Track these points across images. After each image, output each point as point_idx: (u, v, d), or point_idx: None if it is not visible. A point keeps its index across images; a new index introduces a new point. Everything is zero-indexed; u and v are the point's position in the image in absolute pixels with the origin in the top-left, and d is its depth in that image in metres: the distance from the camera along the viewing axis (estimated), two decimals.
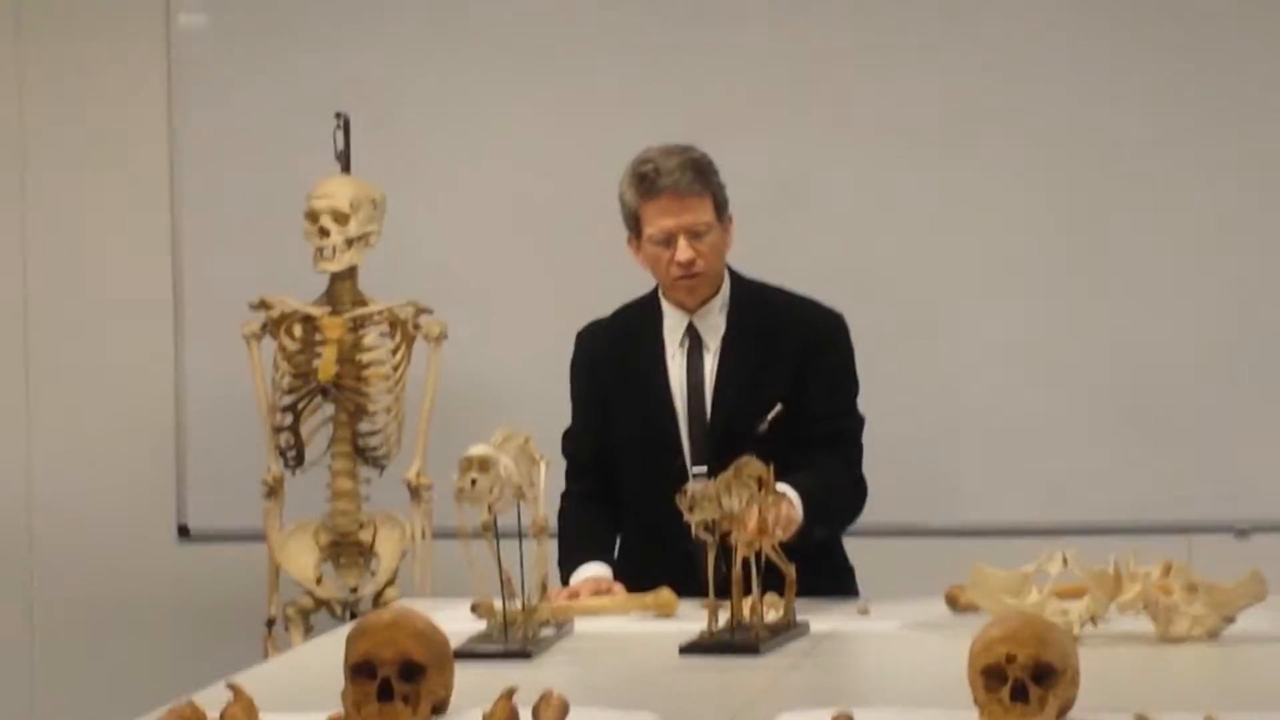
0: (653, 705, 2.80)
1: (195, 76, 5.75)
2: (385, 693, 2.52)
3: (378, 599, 5.11)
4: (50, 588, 5.84)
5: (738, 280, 4.07)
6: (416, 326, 5.18)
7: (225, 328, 5.28)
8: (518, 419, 3.63)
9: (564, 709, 2.49)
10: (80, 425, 5.82)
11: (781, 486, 3.66)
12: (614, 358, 4.10)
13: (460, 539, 3.39)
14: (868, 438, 4.07)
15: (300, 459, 5.20)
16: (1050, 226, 5.52)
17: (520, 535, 3.44)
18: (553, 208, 5.59)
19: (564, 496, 4.11)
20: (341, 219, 5.08)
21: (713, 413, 4.00)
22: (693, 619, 3.55)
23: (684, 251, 3.94)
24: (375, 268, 5.18)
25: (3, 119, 5.84)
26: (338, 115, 5.20)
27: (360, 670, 2.54)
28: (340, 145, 5.19)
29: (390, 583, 5.16)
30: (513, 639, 3.40)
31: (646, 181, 3.94)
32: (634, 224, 4.00)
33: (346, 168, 5.20)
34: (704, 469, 3.89)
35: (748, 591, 3.46)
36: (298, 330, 5.17)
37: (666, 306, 4.06)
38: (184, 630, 5.71)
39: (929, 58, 5.54)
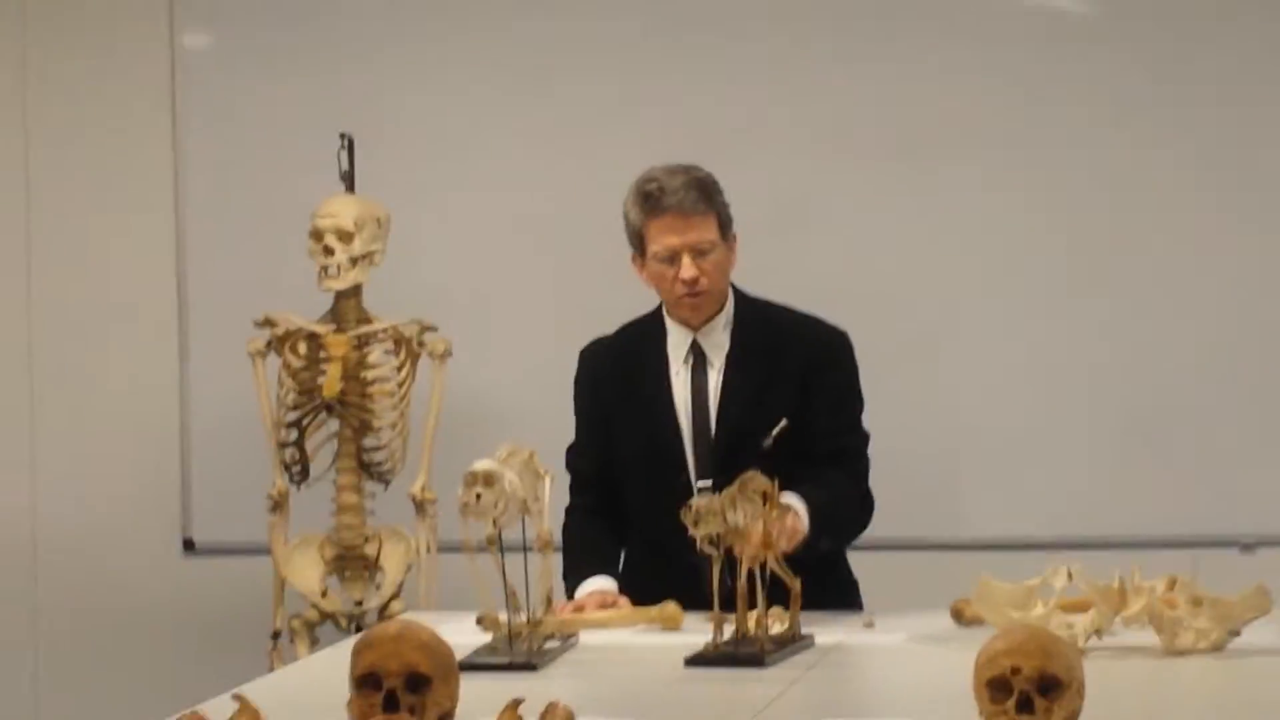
0: (657, 717, 2.81)
1: (200, 97, 5.76)
2: (391, 704, 2.52)
3: (383, 612, 5.11)
4: (56, 601, 5.84)
5: (742, 298, 4.08)
6: (421, 344, 5.18)
7: (231, 344, 5.29)
8: (522, 434, 3.64)
9: None
10: (86, 439, 5.82)
11: (788, 498, 3.67)
12: (618, 375, 4.11)
13: (465, 553, 3.40)
14: (873, 453, 4.08)
15: (305, 474, 5.20)
16: (1051, 243, 5.53)
17: (525, 549, 3.45)
18: (556, 226, 5.60)
19: (569, 511, 4.11)
20: (346, 237, 5.09)
21: (717, 429, 4.00)
22: (698, 632, 3.54)
23: (688, 269, 3.94)
24: (380, 285, 5.19)
25: (7, 142, 5.84)
26: (342, 135, 5.21)
27: (365, 682, 2.53)
28: (344, 165, 5.20)
29: (395, 596, 5.16)
30: (518, 651, 3.41)
31: (651, 200, 3.95)
32: (638, 242, 4.00)
33: (351, 187, 5.21)
34: (709, 483, 3.88)
35: (753, 604, 3.47)
36: (302, 348, 5.18)
37: (670, 324, 4.07)
38: (189, 643, 5.71)
39: (930, 78, 5.54)
